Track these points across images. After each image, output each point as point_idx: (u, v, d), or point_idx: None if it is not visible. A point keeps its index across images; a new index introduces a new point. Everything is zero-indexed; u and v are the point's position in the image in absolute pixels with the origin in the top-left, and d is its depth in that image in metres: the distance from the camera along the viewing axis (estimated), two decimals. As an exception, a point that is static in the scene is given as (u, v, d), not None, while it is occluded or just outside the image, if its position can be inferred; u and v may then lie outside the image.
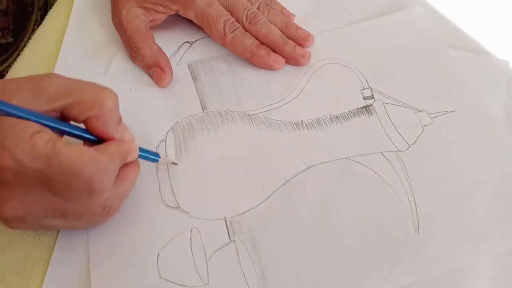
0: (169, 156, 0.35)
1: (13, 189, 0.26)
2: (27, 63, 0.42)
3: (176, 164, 0.35)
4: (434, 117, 0.37)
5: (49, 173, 0.26)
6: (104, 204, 0.29)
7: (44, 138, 0.26)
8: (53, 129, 0.27)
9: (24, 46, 0.44)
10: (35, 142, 0.25)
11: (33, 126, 0.26)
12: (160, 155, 0.34)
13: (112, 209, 0.30)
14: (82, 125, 0.29)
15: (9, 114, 0.26)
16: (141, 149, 0.32)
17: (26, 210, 0.27)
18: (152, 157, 0.33)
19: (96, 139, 0.29)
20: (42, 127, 0.26)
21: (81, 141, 0.30)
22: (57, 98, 0.27)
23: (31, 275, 0.31)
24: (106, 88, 0.29)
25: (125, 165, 0.30)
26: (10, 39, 0.47)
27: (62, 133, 0.28)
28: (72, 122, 0.29)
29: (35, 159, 0.25)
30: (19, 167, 0.25)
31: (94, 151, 0.27)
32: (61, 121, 0.28)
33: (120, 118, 0.30)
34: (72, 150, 0.26)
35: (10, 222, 0.28)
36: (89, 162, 0.26)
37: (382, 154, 0.35)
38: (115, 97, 0.29)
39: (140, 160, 0.33)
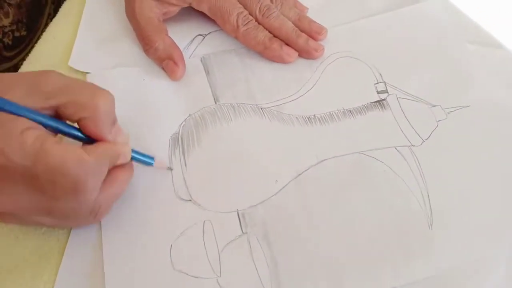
0: (173, 159, 0.35)
1: (1, 184, 0.26)
2: (42, 55, 0.43)
3: (171, 169, 0.34)
4: (449, 112, 0.36)
5: (35, 170, 0.25)
6: (92, 206, 0.29)
7: (34, 135, 0.26)
8: (46, 126, 0.27)
9: (38, 39, 0.45)
10: (24, 139, 0.25)
11: (24, 123, 0.26)
12: (155, 159, 0.33)
13: (100, 211, 0.30)
14: (76, 125, 0.29)
15: (1, 109, 0.25)
16: (134, 152, 0.32)
17: (15, 206, 0.27)
18: (146, 160, 0.33)
19: (88, 139, 0.29)
20: (34, 124, 0.26)
21: (78, 142, 0.30)
22: (52, 96, 0.27)
23: (46, 265, 0.32)
24: (102, 90, 0.29)
25: (116, 167, 0.30)
26: (24, 32, 0.48)
27: (55, 131, 0.28)
28: (67, 122, 0.29)
29: (23, 156, 0.25)
30: (7, 163, 0.25)
31: (81, 151, 0.27)
32: (56, 119, 0.28)
33: (115, 120, 0.30)
34: (59, 148, 0.26)
35: (1, 216, 0.28)
36: (75, 162, 0.26)
37: (396, 149, 0.35)
38: (111, 100, 0.29)
39: (152, 151, 0.34)
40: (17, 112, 0.26)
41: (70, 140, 0.29)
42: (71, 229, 0.32)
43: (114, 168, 0.30)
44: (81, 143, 0.30)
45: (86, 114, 0.28)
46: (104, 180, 0.29)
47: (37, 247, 0.32)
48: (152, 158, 0.33)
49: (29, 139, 0.25)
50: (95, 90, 0.28)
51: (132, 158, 0.32)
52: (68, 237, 0.32)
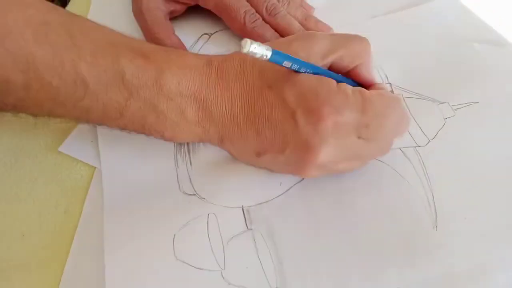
0: (178, 157, 0.36)
1: (329, 138, 0.28)
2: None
3: None
4: (457, 109, 0.36)
5: (364, 119, 0.29)
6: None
7: (349, 87, 0.29)
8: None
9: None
10: (346, 92, 0.28)
11: (332, 80, 0.29)
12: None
13: None
14: None
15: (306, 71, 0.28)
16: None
17: (332, 157, 0.29)
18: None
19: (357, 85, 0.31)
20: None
21: None
22: (328, 53, 0.30)
23: (51, 261, 0.31)
24: (363, 37, 0.31)
25: None
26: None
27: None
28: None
29: (352, 107, 0.28)
30: (339, 118, 0.28)
31: (389, 94, 0.31)
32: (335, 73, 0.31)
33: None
34: (376, 95, 0.29)
35: (313, 168, 0.30)
36: (396, 103, 0.30)
37: (401, 150, 0.35)
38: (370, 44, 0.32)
39: (158, 149, 0.34)
40: (322, 72, 0.29)
41: None
42: (77, 224, 0.33)
43: None
44: None
45: (361, 61, 0.31)
46: None
47: (43, 243, 0.32)
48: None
49: (348, 91, 0.29)
50: (359, 37, 0.31)
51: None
52: (74, 233, 0.32)
